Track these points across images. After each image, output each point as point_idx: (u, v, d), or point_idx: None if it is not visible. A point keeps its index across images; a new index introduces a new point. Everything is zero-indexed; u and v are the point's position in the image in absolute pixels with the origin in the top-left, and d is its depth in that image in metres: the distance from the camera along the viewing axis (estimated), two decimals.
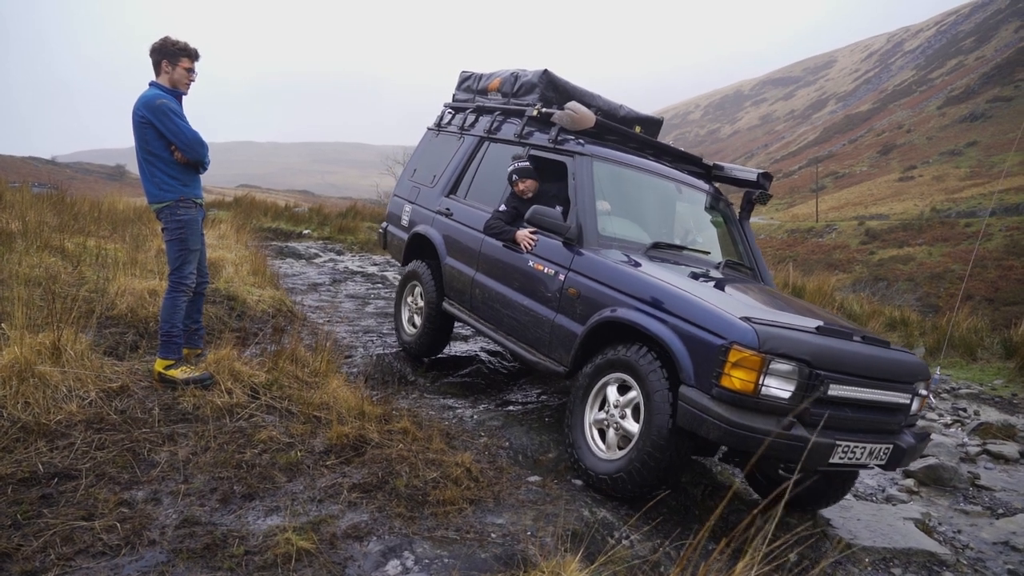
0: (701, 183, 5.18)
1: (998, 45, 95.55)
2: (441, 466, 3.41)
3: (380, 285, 10.25)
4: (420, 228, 5.76)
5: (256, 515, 2.73)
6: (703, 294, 3.51)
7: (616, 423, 3.63)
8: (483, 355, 6.35)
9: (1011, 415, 6.36)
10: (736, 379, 3.07)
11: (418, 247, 5.82)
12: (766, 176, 5.08)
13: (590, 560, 2.84)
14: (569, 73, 5.57)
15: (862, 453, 3.36)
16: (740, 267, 4.84)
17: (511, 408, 5.23)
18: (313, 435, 3.52)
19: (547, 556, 2.69)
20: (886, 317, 9.40)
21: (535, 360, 4.25)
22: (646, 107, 5.98)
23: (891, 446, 3.50)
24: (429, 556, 2.63)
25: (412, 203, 6.07)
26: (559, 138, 4.75)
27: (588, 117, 4.62)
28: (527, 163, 4.76)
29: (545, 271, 4.29)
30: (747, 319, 3.18)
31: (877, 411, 3.52)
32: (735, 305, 3.48)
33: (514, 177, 4.75)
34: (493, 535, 2.92)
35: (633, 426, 3.53)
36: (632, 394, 3.57)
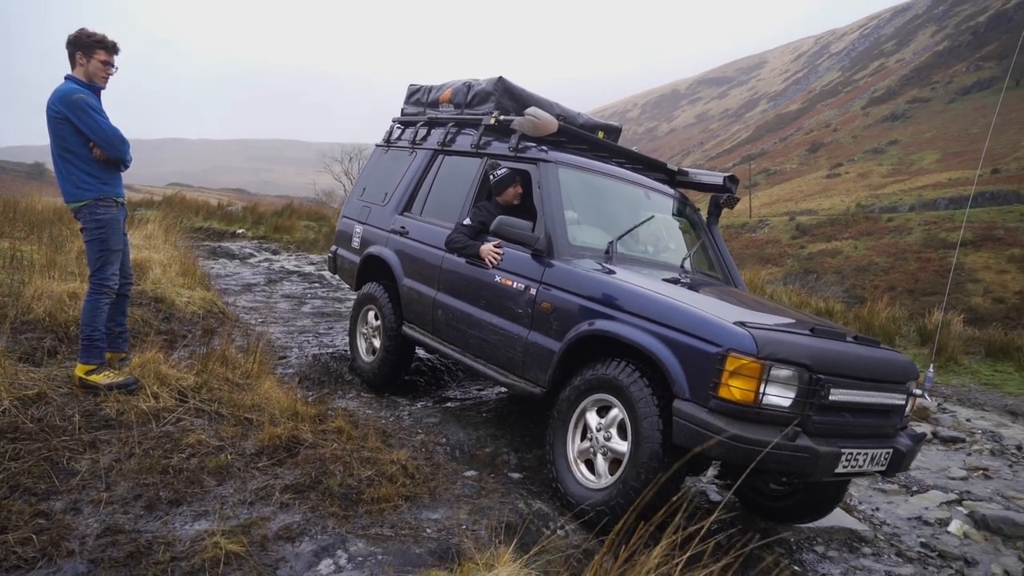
0: (667, 188, 5.05)
1: (916, 48, 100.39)
2: (376, 464, 3.40)
3: (317, 284, 10.10)
4: (373, 249, 5.43)
5: (183, 520, 2.67)
6: (689, 299, 3.33)
7: (604, 447, 3.37)
8: (422, 352, 6.34)
9: (923, 398, 6.70)
10: (735, 389, 2.86)
11: (372, 269, 5.50)
12: (732, 180, 4.99)
13: (524, 551, 2.88)
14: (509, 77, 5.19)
15: (864, 460, 3.20)
16: (711, 272, 4.76)
17: (449, 404, 5.24)
18: (244, 437, 3.46)
19: (481, 549, 2.72)
20: (812, 308, 9.78)
21: (509, 382, 3.97)
22: (583, 107, 5.87)
23: (891, 450, 3.36)
24: (363, 554, 2.62)
25: (363, 223, 5.72)
26: (520, 145, 4.48)
27: (550, 122, 4.41)
28: (506, 170, 4.44)
29: (514, 286, 4.00)
30: (741, 323, 2.97)
31: (875, 414, 3.39)
32: (724, 309, 3.35)
33: (516, 179, 4.41)
34: (428, 530, 2.93)
35: (621, 445, 3.28)
36: (614, 412, 3.34)
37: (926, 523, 4.55)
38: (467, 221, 4.45)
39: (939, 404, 5.78)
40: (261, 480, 3.07)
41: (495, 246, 4.20)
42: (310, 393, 4.99)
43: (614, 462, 3.35)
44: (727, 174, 5.05)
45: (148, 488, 2.84)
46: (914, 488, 4.99)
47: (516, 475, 3.97)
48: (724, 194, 5.00)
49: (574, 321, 3.58)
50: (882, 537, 4.30)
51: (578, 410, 3.49)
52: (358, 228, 5.79)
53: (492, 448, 4.25)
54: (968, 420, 6.42)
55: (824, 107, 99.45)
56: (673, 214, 4.96)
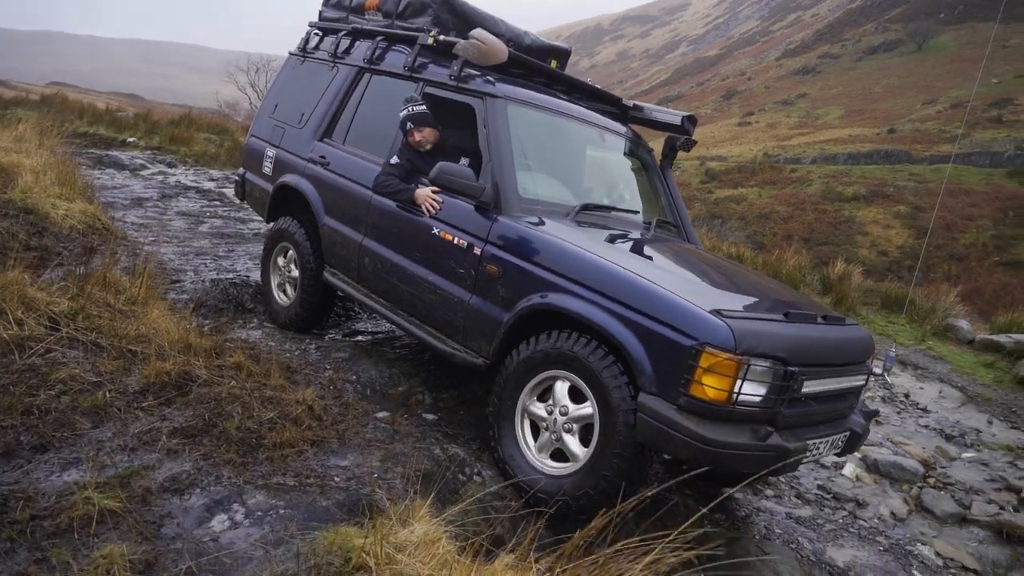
0: (620, 126, 4.53)
1: (831, 5, 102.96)
2: (280, 404, 3.11)
3: (217, 202, 9.38)
4: (288, 179, 4.74)
5: (49, 470, 2.32)
6: (658, 277, 2.94)
7: (566, 422, 3.02)
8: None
9: (883, 378, 6.94)
10: (708, 388, 2.60)
11: (286, 201, 4.84)
12: (691, 120, 4.51)
13: (441, 501, 2.72)
14: None
15: (825, 447, 3.08)
16: (667, 225, 4.35)
17: (360, 339, 4.96)
18: (127, 373, 3.08)
19: (395, 500, 2.53)
20: (725, 252, 9.98)
21: (446, 349, 3.54)
22: None
23: (847, 432, 3.24)
24: (262, 507, 2.37)
25: (276, 147, 5.00)
26: (463, 74, 3.85)
27: (500, 49, 3.81)
28: (423, 107, 3.88)
29: (456, 242, 3.52)
30: (718, 312, 2.67)
31: (838, 399, 3.24)
32: (697, 289, 3.03)
33: (408, 125, 3.86)
34: (336, 479, 2.70)
35: (584, 407, 2.95)
36: (559, 385, 3.02)
37: (823, 466, 4.73)
38: (395, 160, 3.91)
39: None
40: (145, 422, 2.73)
41: (434, 191, 3.69)
42: (206, 322, 4.57)
43: (584, 433, 3.01)
44: (686, 113, 4.56)
45: (6, 431, 2.46)
46: None
47: (431, 416, 3.78)
48: (682, 136, 4.53)
49: (525, 290, 3.17)
50: (783, 480, 4.43)
51: (531, 384, 3.11)
52: (270, 152, 5.06)
53: (406, 387, 4.04)
54: None
55: (741, 55, 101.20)
56: (624, 154, 4.54)
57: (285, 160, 4.87)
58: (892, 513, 4.41)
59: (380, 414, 3.54)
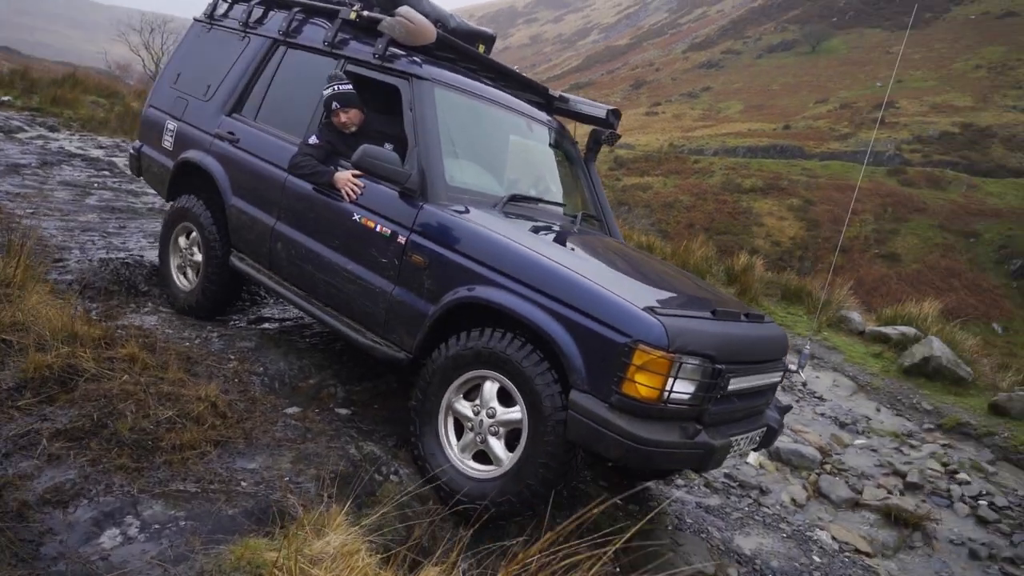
0: (546, 117, 4.44)
1: (735, 2, 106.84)
2: (179, 401, 2.87)
3: (106, 172, 8.67)
4: (191, 155, 4.40)
5: None
6: (591, 273, 2.89)
7: (491, 425, 2.92)
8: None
9: (798, 374, 7.17)
10: (641, 386, 2.56)
11: (189, 179, 4.49)
12: (615, 114, 4.45)
13: (358, 505, 2.58)
14: None
15: (745, 443, 3.13)
16: (591, 219, 4.28)
17: (266, 327, 4.69)
18: (0, 367, 2.74)
19: (308, 507, 2.37)
20: (635, 242, 10.16)
21: (365, 343, 3.37)
22: None
23: (764, 428, 3.31)
24: (160, 519, 2.16)
25: (178, 120, 4.62)
26: (388, 53, 3.66)
27: (428, 29, 3.62)
28: (350, 86, 3.67)
29: (378, 229, 3.35)
30: (651, 310, 2.64)
31: (757, 396, 3.30)
32: (628, 287, 2.97)
33: (334, 105, 3.63)
34: (243, 484, 2.51)
35: (512, 412, 2.86)
36: (488, 386, 2.91)
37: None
38: (313, 140, 3.67)
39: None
40: (22, 424, 2.43)
41: (355, 174, 3.50)
42: (94, 306, 4.19)
43: (509, 438, 2.92)
44: (610, 107, 4.50)
45: None
46: None
47: (344, 411, 3.61)
48: (606, 129, 4.48)
49: (452, 283, 3.06)
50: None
51: (457, 382, 2.99)
52: (171, 124, 4.65)
53: (317, 379, 3.83)
54: None
55: (650, 46, 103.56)
56: (551, 146, 4.44)
57: (188, 135, 4.49)
58: (793, 499, 4.62)
59: (290, 410, 3.34)
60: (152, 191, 8.17)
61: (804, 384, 6.40)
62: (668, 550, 3.41)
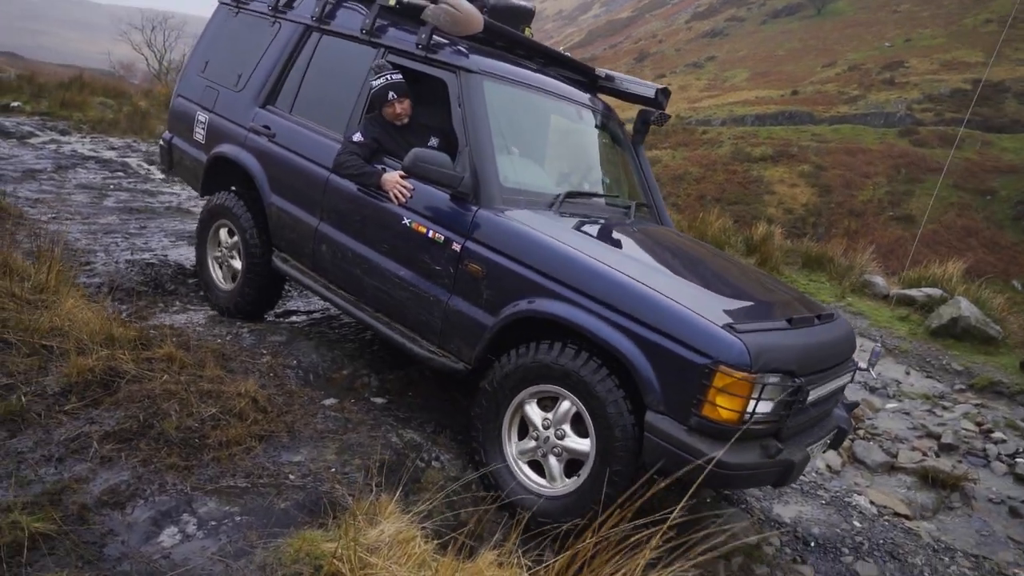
0: (597, 102, 4.23)
1: None
2: (220, 398, 2.88)
3: (120, 173, 8.70)
4: (226, 149, 4.22)
5: None
6: (663, 284, 2.72)
7: (556, 446, 2.81)
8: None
9: (868, 373, 7.06)
10: (722, 409, 2.43)
11: (224, 174, 4.33)
12: (664, 93, 4.20)
13: (405, 492, 2.59)
14: None
15: (818, 449, 3.02)
16: (643, 208, 4.06)
17: (295, 320, 4.71)
18: (43, 372, 2.77)
19: (358, 497, 2.38)
20: None
21: (422, 354, 3.22)
22: None
23: (835, 430, 3.19)
24: (215, 515, 2.18)
25: (209, 111, 4.43)
26: (432, 43, 3.42)
27: (475, 18, 3.37)
28: (401, 76, 3.48)
29: (431, 235, 3.17)
30: (731, 328, 2.48)
31: (830, 399, 3.15)
32: (702, 299, 2.76)
33: (391, 95, 3.42)
34: (292, 477, 2.53)
35: (581, 444, 2.74)
36: (565, 405, 2.78)
37: None
38: (358, 137, 3.48)
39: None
40: (71, 428, 2.46)
41: (403, 175, 3.33)
42: (123, 308, 4.23)
43: (572, 463, 2.83)
44: (660, 86, 4.23)
45: None
46: None
47: (379, 400, 3.63)
48: (656, 110, 4.21)
49: (513, 293, 2.90)
50: None
51: (516, 400, 2.87)
52: (202, 116, 4.47)
53: (350, 370, 3.85)
54: None
55: (652, 17, 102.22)
56: (600, 131, 4.23)
57: (221, 127, 4.32)
58: (828, 466, 4.60)
59: (327, 401, 3.36)
60: (166, 189, 8.22)
61: (881, 385, 6.29)
62: (711, 523, 3.41)
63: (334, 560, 1.94)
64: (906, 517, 4.16)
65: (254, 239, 4.07)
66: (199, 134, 4.50)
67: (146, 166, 9.52)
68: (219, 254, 4.42)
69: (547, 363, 2.75)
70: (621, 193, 4.15)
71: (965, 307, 6.54)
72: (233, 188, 4.26)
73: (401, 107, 3.50)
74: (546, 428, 2.83)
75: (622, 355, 2.60)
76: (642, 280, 2.70)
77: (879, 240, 28.79)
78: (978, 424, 5.24)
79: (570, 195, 3.51)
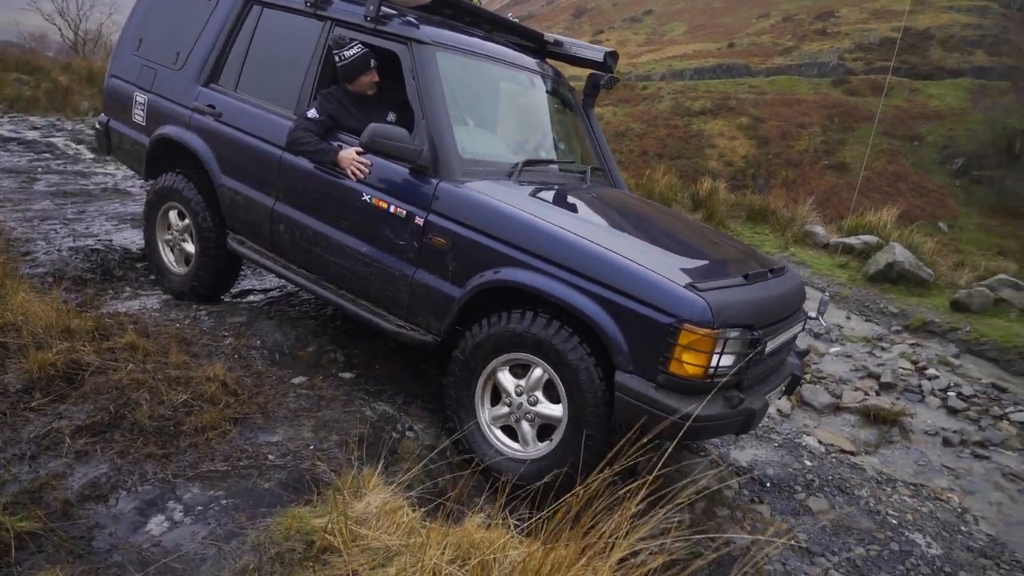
0: (547, 68, 4.21)
1: None
2: (189, 384, 2.87)
3: (48, 155, 8.32)
4: (169, 131, 4.09)
5: None
6: (624, 247, 2.80)
7: (529, 412, 2.91)
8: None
9: (818, 321, 7.29)
10: (687, 364, 2.55)
11: (169, 156, 4.20)
12: (613, 56, 4.23)
13: (386, 465, 2.66)
14: None
15: (775, 396, 3.15)
16: (597, 171, 4.13)
17: (252, 299, 4.66)
18: (2, 370, 2.71)
19: (340, 472, 2.44)
20: None
21: (390, 329, 3.23)
22: None
23: (789, 377, 3.34)
24: (201, 500, 2.21)
25: (147, 92, 4.27)
26: (381, 15, 3.36)
27: None
28: (359, 47, 3.41)
29: (393, 210, 3.17)
30: (693, 287, 2.59)
31: (784, 349, 3.28)
32: (662, 260, 2.84)
33: (372, 63, 3.41)
34: (271, 457, 2.56)
35: (554, 409, 2.85)
36: (537, 373, 2.86)
37: None
38: (312, 113, 3.41)
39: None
40: (40, 424, 2.43)
41: (359, 151, 3.29)
42: (72, 297, 4.11)
43: (544, 427, 2.93)
44: (608, 49, 4.26)
45: None
46: None
47: (348, 375, 3.66)
48: (605, 74, 4.26)
49: (479, 265, 2.94)
50: None
51: (489, 367, 2.95)
52: (140, 97, 4.32)
53: (315, 347, 3.86)
54: None
55: None
56: (552, 97, 4.24)
57: (162, 108, 4.19)
58: (779, 411, 4.85)
59: (297, 380, 3.37)
60: (100, 169, 7.91)
61: (825, 331, 6.57)
62: (674, 472, 3.59)
63: (325, 535, 1.99)
64: (851, 453, 4.44)
65: (207, 222, 3.98)
66: (138, 116, 4.35)
67: (74, 146, 9.11)
68: (170, 237, 4.32)
69: (519, 332, 2.81)
70: (575, 158, 4.21)
71: (900, 252, 6.88)
72: (179, 170, 4.14)
73: (368, 77, 3.47)
74: (519, 395, 2.91)
75: (590, 319, 2.68)
76: (605, 245, 2.77)
77: (816, 189, 29.68)
78: (914, 363, 5.58)
79: (528, 163, 3.55)
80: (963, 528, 3.73)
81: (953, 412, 4.99)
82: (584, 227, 2.95)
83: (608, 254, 2.72)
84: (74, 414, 2.53)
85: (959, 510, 3.90)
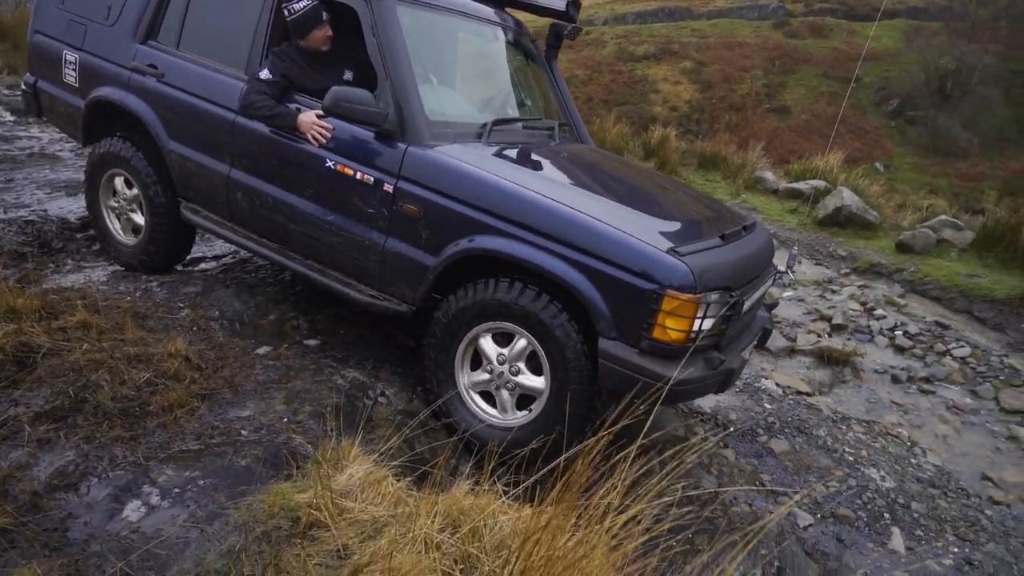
0: (505, 17, 4.04)
1: None
2: (150, 361, 2.77)
3: None
4: (107, 92, 3.82)
5: None
6: (603, 212, 2.73)
7: (510, 382, 2.89)
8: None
9: (789, 275, 7.36)
10: (670, 330, 2.53)
11: (107, 118, 3.93)
12: (575, 5, 4.06)
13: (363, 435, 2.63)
14: None
15: (748, 352, 3.18)
16: (565, 127, 4.04)
17: (205, 267, 4.49)
18: None
19: (317, 444, 2.40)
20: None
21: (362, 299, 3.13)
22: None
23: (761, 330, 3.37)
24: (177, 483, 2.14)
25: (78, 50, 3.98)
26: None
27: None
28: (310, 0, 3.21)
29: (359, 177, 3.03)
30: (674, 252, 2.56)
31: (756, 305, 3.32)
32: (641, 223, 2.78)
33: (324, 16, 3.22)
34: (244, 432, 2.50)
35: (536, 381, 2.84)
36: (521, 344, 2.82)
37: None
38: (265, 75, 3.21)
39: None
40: None
41: (319, 114, 3.12)
42: (11, 273, 3.88)
43: (524, 397, 2.92)
44: None
45: None
46: None
47: (313, 342, 3.58)
48: (568, 24, 4.08)
49: (454, 233, 2.85)
50: None
51: (468, 337, 2.90)
52: (71, 56, 4.01)
53: (276, 314, 3.75)
54: None
55: None
56: (515, 50, 4.09)
57: (96, 67, 3.91)
58: None
59: (262, 350, 3.28)
60: (22, 132, 7.42)
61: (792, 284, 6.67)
62: (643, 422, 3.67)
63: (311, 510, 1.97)
64: (807, 394, 4.61)
65: (157, 193, 3.77)
66: (70, 76, 4.05)
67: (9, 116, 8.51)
68: (116, 205, 4.08)
69: (506, 303, 2.76)
70: (541, 113, 4.13)
71: (847, 196, 7.06)
72: (121, 134, 3.90)
73: (321, 32, 3.28)
74: (501, 363, 2.88)
75: (571, 286, 2.64)
76: (583, 210, 2.71)
77: (759, 132, 30.14)
78: (862, 304, 5.79)
79: (497, 123, 3.43)
80: (913, 461, 3.94)
81: (900, 350, 5.22)
82: (559, 191, 2.89)
83: (588, 219, 2.67)
84: (31, 400, 2.41)
85: (909, 444, 4.11)
